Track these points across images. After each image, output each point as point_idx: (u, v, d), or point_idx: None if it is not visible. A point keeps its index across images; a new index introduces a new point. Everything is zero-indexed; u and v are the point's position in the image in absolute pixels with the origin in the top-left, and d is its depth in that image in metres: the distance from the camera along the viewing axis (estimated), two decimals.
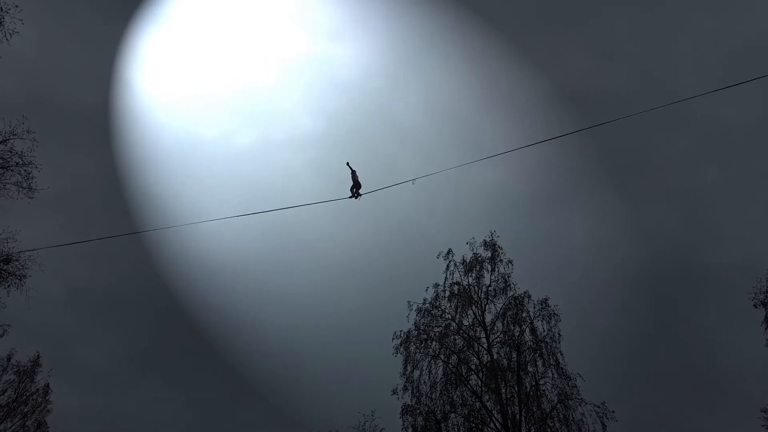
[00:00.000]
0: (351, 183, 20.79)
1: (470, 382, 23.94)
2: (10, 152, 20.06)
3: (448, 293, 26.10)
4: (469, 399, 23.54)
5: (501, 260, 26.27)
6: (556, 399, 22.60)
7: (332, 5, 71.57)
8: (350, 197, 20.60)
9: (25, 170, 20.17)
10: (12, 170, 20.14)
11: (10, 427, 29.18)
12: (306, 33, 74.20)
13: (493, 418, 22.72)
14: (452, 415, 23.17)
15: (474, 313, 25.40)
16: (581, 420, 21.90)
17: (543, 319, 24.35)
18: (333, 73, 74.13)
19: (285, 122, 73.85)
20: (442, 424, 22.95)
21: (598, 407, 22.00)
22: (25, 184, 20.26)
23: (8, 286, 20.35)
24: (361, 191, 20.66)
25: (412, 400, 23.87)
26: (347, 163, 21.11)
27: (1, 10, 19.09)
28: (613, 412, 21.92)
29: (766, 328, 22.06)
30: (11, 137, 20.00)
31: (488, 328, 24.93)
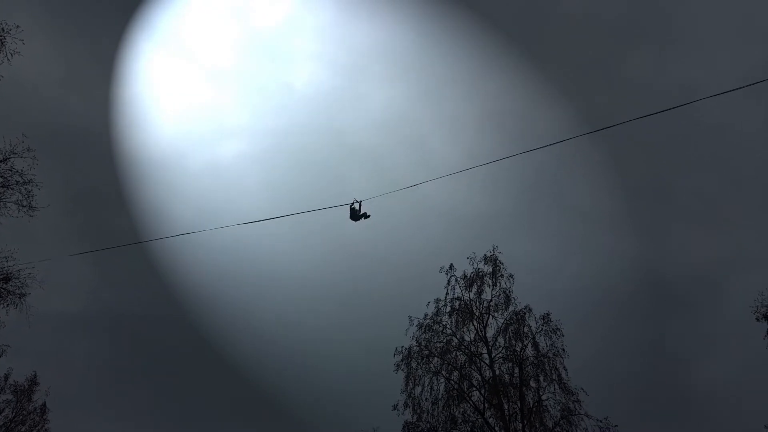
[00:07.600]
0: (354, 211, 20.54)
1: (472, 398, 23.77)
2: (11, 171, 20.09)
3: (449, 308, 26.00)
4: (472, 415, 23.37)
5: (502, 275, 26.21)
6: (559, 414, 22.49)
7: (280, 25, 72.25)
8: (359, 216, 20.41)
9: (25, 188, 20.19)
10: (12, 188, 20.15)
11: None
12: (253, 53, 74.47)
13: None
14: (454, 431, 22.99)
15: (475, 329, 25.30)
16: None
17: (545, 334, 24.29)
18: (280, 92, 74.26)
19: (231, 141, 73.64)
20: None
21: (601, 422, 21.91)
22: (25, 203, 20.25)
23: (7, 305, 20.23)
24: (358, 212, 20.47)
25: (413, 417, 23.68)
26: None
27: (3, 31, 19.22)
28: (616, 426, 21.85)
29: None
30: (11, 156, 20.05)
31: (490, 343, 24.82)
